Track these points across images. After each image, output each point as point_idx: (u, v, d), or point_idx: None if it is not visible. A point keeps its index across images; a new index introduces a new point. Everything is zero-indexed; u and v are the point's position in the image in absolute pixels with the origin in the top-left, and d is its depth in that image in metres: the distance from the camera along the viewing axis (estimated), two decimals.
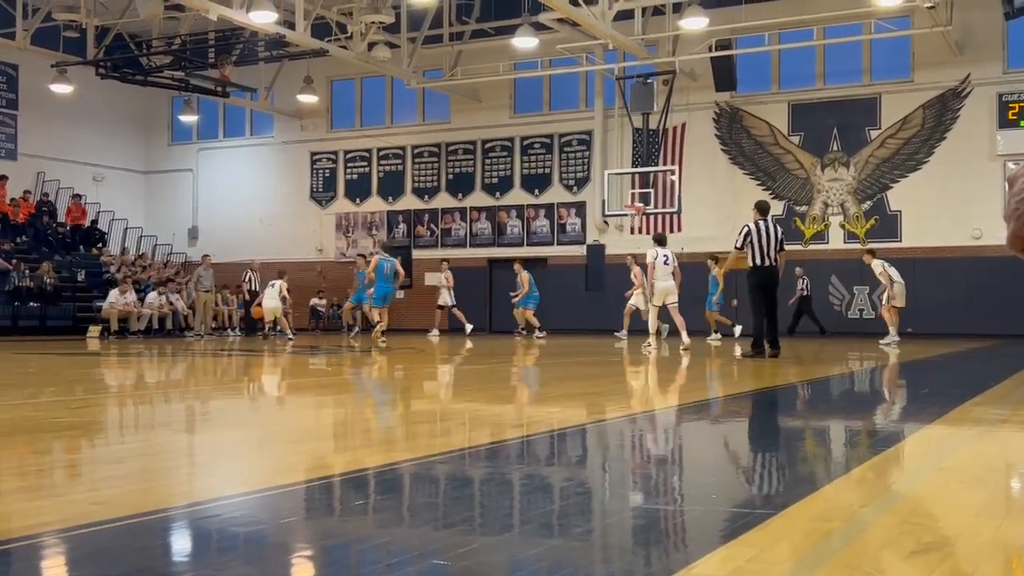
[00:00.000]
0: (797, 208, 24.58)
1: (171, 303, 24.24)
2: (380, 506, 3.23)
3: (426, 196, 28.64)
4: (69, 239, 27.67)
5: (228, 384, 9.50)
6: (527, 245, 27.12)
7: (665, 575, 2.34)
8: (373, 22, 22.54)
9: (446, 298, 23.56)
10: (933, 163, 23.33)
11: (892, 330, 18.12)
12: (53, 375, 10.09)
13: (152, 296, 23.67)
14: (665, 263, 15.64)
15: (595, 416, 6.16)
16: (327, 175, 29.94)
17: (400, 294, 28.02)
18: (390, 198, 29.08)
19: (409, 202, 28.83)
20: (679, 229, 25.28)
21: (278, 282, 22.25)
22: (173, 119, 31.68)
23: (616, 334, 21.03)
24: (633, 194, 24.09)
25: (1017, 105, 22.56)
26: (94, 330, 22.40)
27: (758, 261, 12.24)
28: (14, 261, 23.60)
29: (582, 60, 24.58)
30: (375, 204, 29.25)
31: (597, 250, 26.24)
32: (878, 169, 23.90)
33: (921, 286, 22.98)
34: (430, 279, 27.90)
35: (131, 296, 23.13)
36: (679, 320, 15.58)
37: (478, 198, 27.95)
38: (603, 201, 24.81)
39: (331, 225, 29.65)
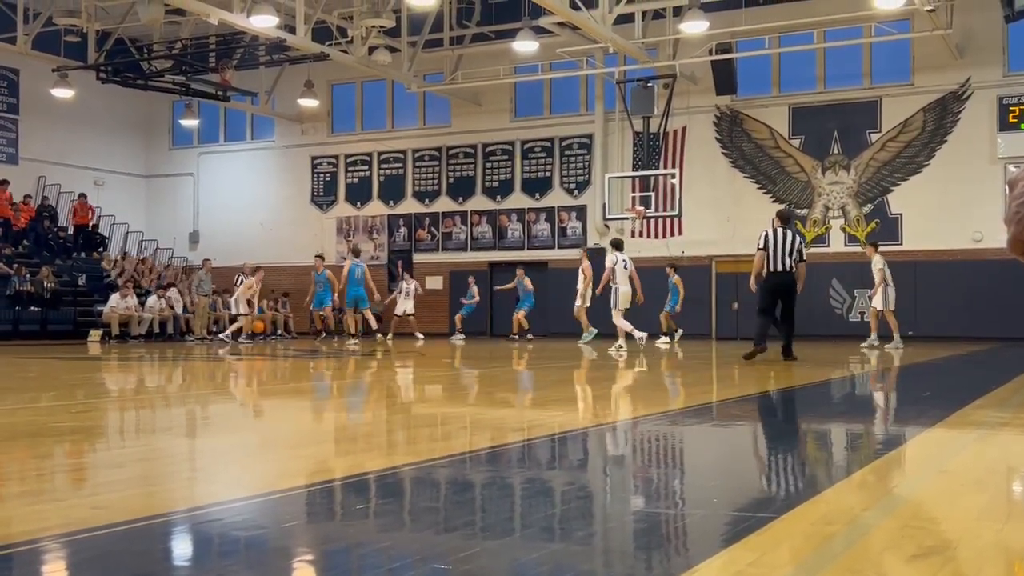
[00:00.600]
0: (798, 211, 24.57)
1: (171, 307, 24.25)
2: (381, 510, 3.23)
3: (427, 200, 28.65)
4: (71, 242, 27.68)
5: (228, 387, 9.50)
6: (528, 249, 27.12)
7: None
8: (374, 26, 22.57)
9: (410, 306, 23.86)
10: (934, 166, 23.33)
11: (873, 334, 18.37)
12: (54, 379, 10.09)
13: (152, 300, 23.68)
14: (624, 268, 15.86)
15: (595, 420, 6.16)
16: (328, 179, 29.96)
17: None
18: (391, 202, 29.09)
19: (410, 206, 28.85)
20: (680, 233, 25.29)
21: (250, 279, 22.04)
22: (174, 123, 31.71)
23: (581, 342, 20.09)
24: (634, 198, 24.11)
25: (1017, 108, 22.56)
26: (95, 334, 22.41)
27: (773, 267, 12.48)
28: (15, 265, 23.61)
29: (582, 64, 24.59)
30: (376, 208, 29.26)
31: (598, 254, 26.21)
32: (879, 172, 23.91)
33: (922, 289, 22.99)
34: (430, 283, 27.92)
35: (132, 300, 23.13)
36: (623, 324, 16.04)
37: (479, 202, 27.96)
38: (604, 205, 24.82)
39: (332, 229, 29.66)
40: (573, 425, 5.85)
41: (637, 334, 16.50)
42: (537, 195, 27.32)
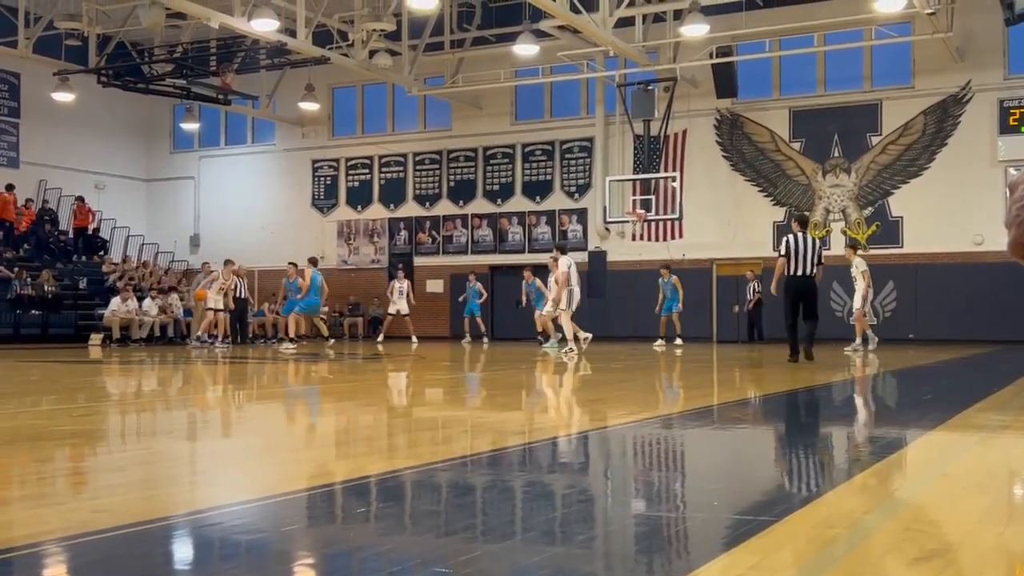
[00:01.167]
0: (798, 214, 24.57)
1: (171, 310, 24.24)
2: (382, 514, 3.23)
3: (428, 203, 28.66)
4: (71, 246, 27.69)
5: (229, 391, 9.49)
6: (529, 252, 27.12)
7: None
8: (374, 30, 22.59)
9: (403, 306, 23.79)
10: (934, 169, 23.34)
11: (868, 334, 18.22)
12: (55, 383, 10.08)
13: (147, 303, 23.67)
14: (576, 270, 16.25)
15: (596, 423, 6.16)
16: (328, 182, 29.97)
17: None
18: (392, 205, 29.10)
19: (411, 209, 28.86)
20: (680, 236, 25.30)
21: (217, 270, 21.95)
22: (175, 127, 31.74)
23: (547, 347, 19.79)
24: (634, 201, 24.12)
25: (1018, 111, 22.57)
26: (96, 338, 22.40)
27: (793, 271, 12.67)
28: (16, 269, 23.62)
29: (583, 67, 24.62)
30: (377, 211, 29.27)
31: (599, 257, 26.26)
32: (879, 175, 23.91)
33: (923, 292, 23.00)
34: (431, 286, 27.94)
35: (132, 304, 23.13)
36: (569, 327, 16.05)
37: (480, 205, 27.97)
38: (604, 208, 24.83)
39: (332, 232, 29.68)
40: (573, 428, 5.85)
41: (582, 334, 16.48)
42: (538, 198, 27.34)
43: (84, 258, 27.56)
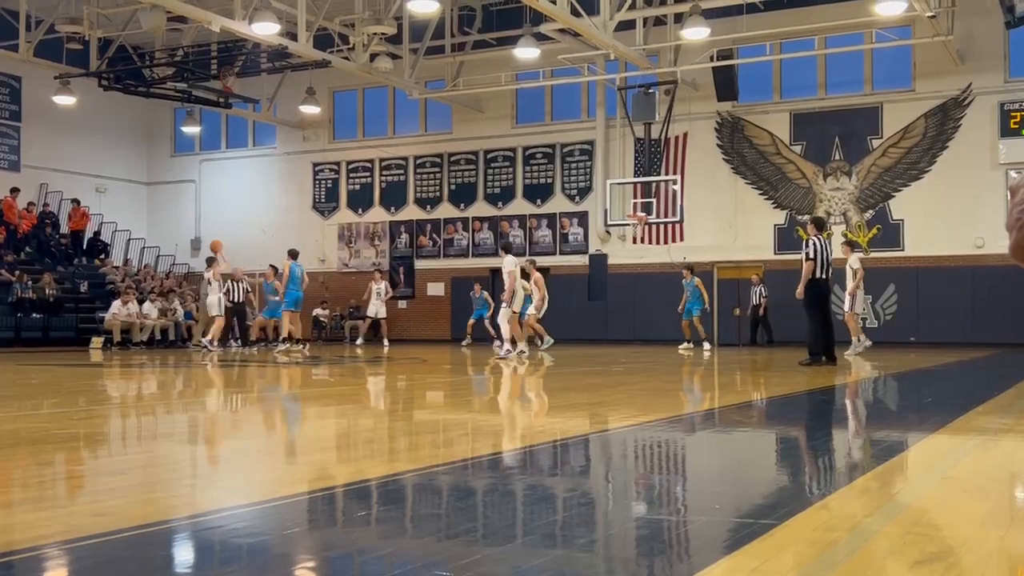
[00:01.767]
0: (799, 217, 24.56)
1: (172, 314, 24.24)
2: (383, 517, 3.23)
3: (428, 206, 28.67)
4: (72, 250, 27.70)
5: (229, 394, 9.49)
6: (529, 255, 27.10)
7: None
8: (375, 33, 22.60)
9: (381, 308, 23.77)
10: (935, 172, 23.33)
11: (859, 337, 18.04)
12: (56, 386, 10.09)
13: (148, 306, 23.67)
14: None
15: (597, 426, 6.15)
16: (329, 186, 29.99)
17: (402, 304, 28.10)
18: (392, 208, 29.11)
19: (411, 212, 28.86)
20: (681, 239, 25.30)
21: (207, 274, 21.81)
22: (176, 130, 31.76)
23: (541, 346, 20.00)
24: (635, 204, 24.11)
25: (1019, 114, 22.57)
26: (97, 341, 22.40)
27: (819, 274, 12.75)
28: (17, 272, 23.63)
29: (584, 70, 24.63)
30: (377, 214, 29.28)
31: (600, 260, 26.26)
32: (880, 178, 23.91)
33: (924, 295, 22.99)
34: (432, 289, 27.94)
35: (133, 307, 23.13)
36: (507, 329, 15.87)
37: (480, 208, 27.98)
38: (605, 211, 24.83)
39: (333, 236, 29.68)
40: (575, 431, 5.85)
41: (521, 346, 16.20)
42: (539, 201, 27.34)
43: (84, 261, 27.56)
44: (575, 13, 19.50)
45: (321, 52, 22.41)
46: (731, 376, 11.79)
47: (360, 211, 29.53)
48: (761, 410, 7.50)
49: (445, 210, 28.39)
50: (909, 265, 23.30)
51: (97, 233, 28.80)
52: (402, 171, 29.05)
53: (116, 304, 22.96)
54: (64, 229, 28.24)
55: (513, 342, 15.97)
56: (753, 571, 2.41)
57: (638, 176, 24.64)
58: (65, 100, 26.10)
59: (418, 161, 28.84)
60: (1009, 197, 1.87)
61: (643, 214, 23.81)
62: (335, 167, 29.89)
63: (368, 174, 29.49)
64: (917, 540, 2.74)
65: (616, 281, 25.84)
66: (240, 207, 30.63)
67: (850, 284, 18.05)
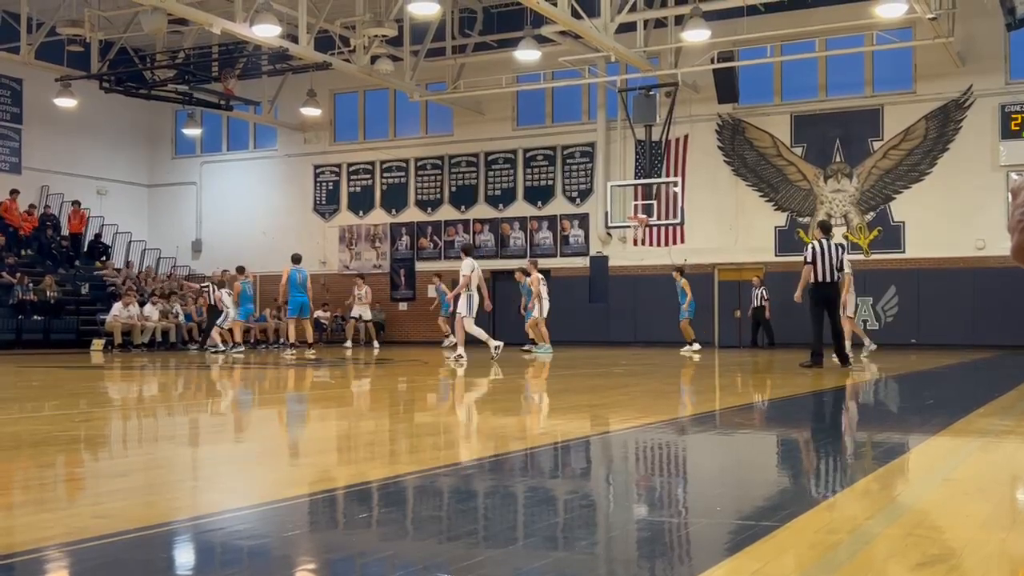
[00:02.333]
0: (800, 219, 24.58)
1: (174, 316, 24.24)
2: (384, 519, 3.23)
3: (429, 208, 28.67)
4: (73, 252, 27.70)
5: (229, 396, 9.49)
6: (530, 257, 27.10)
7: None
8: (376, 35, 22.61)
9: (365, 311, 23.77)
10: (936, 174, 23.33)
11: (866, 341, 18.06)
12: (57, 388, 10.09)
13: (149, 309, 23.67)
14: (479, 274, 15.82)
15: (599, 428, 6.15)
16: (330, 188, 30.00)
17: (403, 306, 28.12)
18: (393, 210, 29.11)
19: (412, 214, 28.87)
20: (682, 241, 25.30)
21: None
22: (177, 132, 31.77)
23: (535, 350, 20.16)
24: (636, 206, 24.10)
25: (1019, 116, 22.57)
26: (98, 343, 22.40)
27: (818, 277, 12.83)
28: (18, 274, 23.64)
29: (584, 72, 24.63)
30: (378, 216, 29.28)
31: (600, 262, 26.26)
32: (881, 180, 23.91)
33: (925, 297, 22.98)
34: (433, 291, 27.95)
35: (134, 309, 23.13)
36: (477, 331, 15.68)
37: (481, 210, 27.98)
38: (606, 213, 24.82)
39: (334, 238, 29.69)
40: (576, 433, 5.85)
41: (460, 348, 15.91)
42: (539, 203, 27.35)
43: (83, 262, 27.56)
44: (576, 15, 19.51)
45: (322, 54, 22.42)
46: (732, 378, 11.79)
47: (361, 213, 29.54)
48: (762, 412, 7.50)
49: (446, 212, 28.39)
50: (910, 267, 23.29)
51: (98, 235, 28.81)
52: (403, 173, 29.06)
53: (117, 306, 22.96)
54: (64, 231, 28.26)
55: (460, 346, 15.80)
56: (754, 573, 2.41)
57: (639, 178, 24.63)
58: (66, 102, 26.11)
59: (419, 163, 28.85)
60: (1010, 199, 1.87)
61: (644, 216, 23.81)
62: (336, 169, 29.90)
63: (369, 176, 29.50)
64: (919, 542, 2.74)
65: (617, 283, 25.84)
66: (241, 209, 30.64)
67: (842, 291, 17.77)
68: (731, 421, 6.69)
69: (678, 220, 23.98)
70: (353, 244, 29.44)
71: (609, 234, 26.06)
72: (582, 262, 26.54)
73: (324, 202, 30.03)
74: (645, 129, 24.34)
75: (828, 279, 12.81)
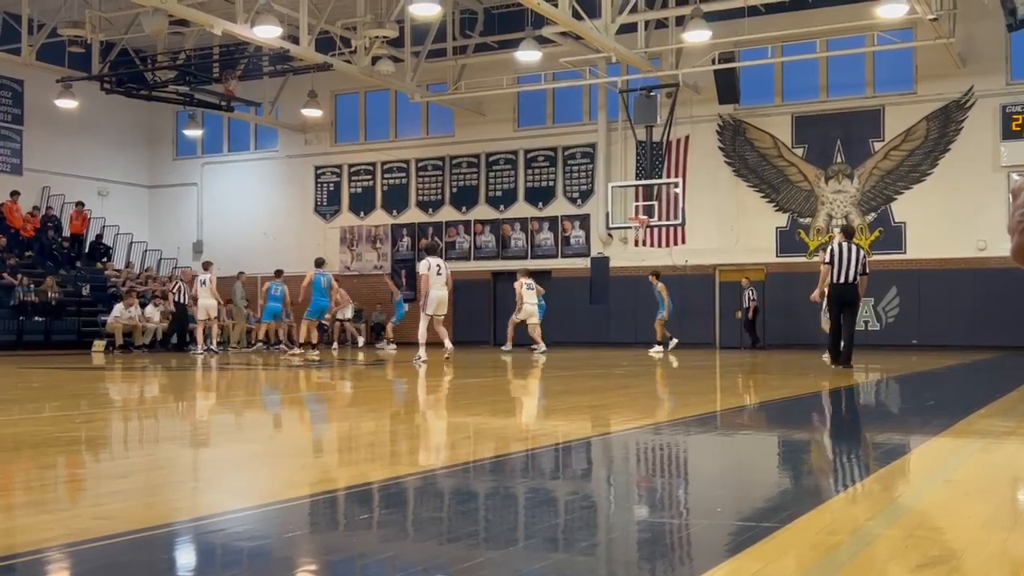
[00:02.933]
0: (801, 220, 24.58)
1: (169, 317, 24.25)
2: (385, 520, 3.23)
3: (430, 209, 28.68)
4: (73, 252, 27.71)
5: (231, 397, 9.49)
6: (531, 258, 27.12)
7: None
8: (377, 36, 22.62)
9: (348, 312, 23.84)
10: (937, 175, 23.32)
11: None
12: (58, 389, 10.09)
13: (150, 309, 23.65)
14: (438, 273, 15.51)
15: (599, 429, 6.15)
16: (331, 189, 30.01)
17: (405, 306, 28.11)
18: (394, 211, 29.12)
19: (413, 215, 28.88)
20: (683, 241, 25.30)
21: (207, 275, 21.59)
22: (178, 133, 31.78)
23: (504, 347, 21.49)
24: (637, 206, 24.11)
25: (1020, 116, 22.56)
26: (99, 344, 22.40)
27: (836, 279, 13.15)
28: (19, 275, 23.64)
29: (585, 73, 24.63)
30: (379, 217, 29.29)
31: (601, 263, 26.25)
32: (882, 181, 23.90)
33: (926, 297, 22.98)
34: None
35: (136, 310, 23.13)
36: (442, 330, 15.60)
37: (482, 211, 27.98)
38: (607, 214, 24.83)
39: (335, 239, 29.70)
40: (576, 435, 5.85)
41: (423, 352, 15.90)
42: (540, 204, 27.35)
43: (84, 264, 27.56)
44: (577, 16, 19.51)
45: (323, 55, 22.43)
46: (733, 379, 11.79)
47: (362, 214, 29.55)
48: (763, 413, 7.50)
49: (447, 213, 28.40)
50: (911, 268, 23.28)
51: (99, 236, 28.82)
52: (404, 174, 29.06)
53: (118, 307, 22.96)
54: (66, 232, 28.27)
55: (421, 347, 15.80)
56: (755, 574, 2.41)
57: (640, 179, 24.64)
58: (67, 103, 26.13)
59: (420, 164, 28.86)
60: (1011, 200, 1.87)
61: (645, 217, 23.82)
62: (337, 170, 29.91)
63: (370, 177, 29.51)
64: (919, 543, 2.74)
65: (617, 284, 25.84)
66: (242, 210, 30.65)
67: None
68: (732, 422, 6.69)
69: (679, 221, 23.98)
70: (354, 245, 29.45)
71: (610, 235, 26.06)
72: (583, 263, 26.54)
73: (325, 203, 30.04)
74: (646, 130, 24.34)
75: (847, 280, 13.10)
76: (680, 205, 23.88)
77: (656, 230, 25.07)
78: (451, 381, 11.28)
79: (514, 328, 21.54)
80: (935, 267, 23.03)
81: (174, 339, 23.26)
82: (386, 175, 29.29)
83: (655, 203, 24.25)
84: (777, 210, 24.84)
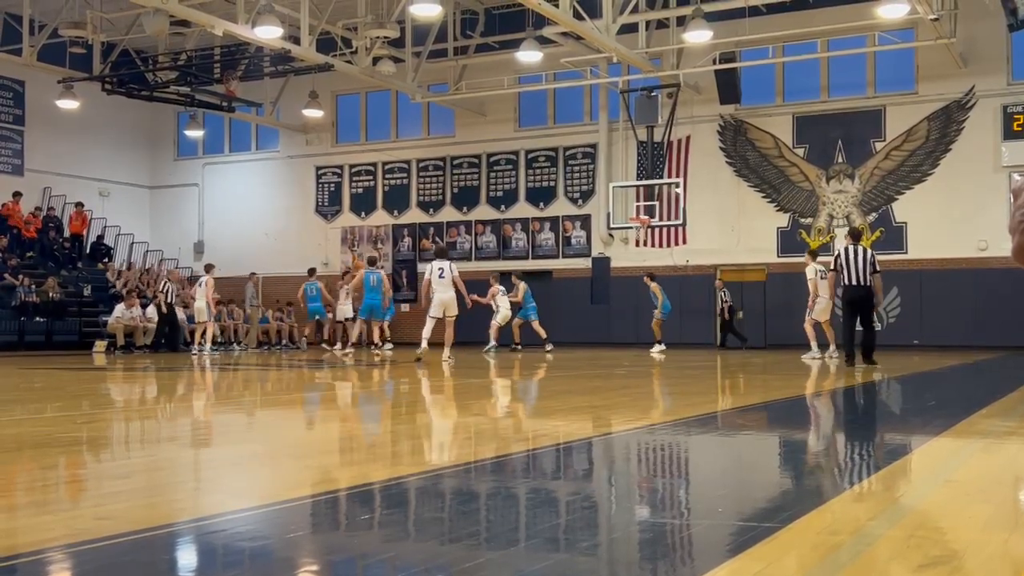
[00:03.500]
0: (802, 220, 24.57)
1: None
2: (386, 521, 3.23)
3: (431, 210, 28.68)
4: (74, 252, 27.72)
5: (232, 398, 9.50)
6: (532, 258, 27.14)
7: None
8: (378, 37, 22.63)
9: (348, 310, 23.68)
10: (938, 175, 23.32)
11: (813, 344, 16.87)
12: (59, 390, 10.09)
13: (151, 310, 23.66)
14: (440, 276, 15.81)
15: (601, 430, 6.15)
16: (332, 189, 30.01)
17: (405, 307, 28.11)
18: (395, 212, 29.13)
19: (414, 216, 28.88)
20: (684, 242, 25.30)
21: (205, 277, 21.65)
22: (179, 134, 31.79)
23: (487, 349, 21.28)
24: (638, 207, 24.11)
25: (1021, 116, 22.56)
26: (100, 345, 22.41)
27: (849, 281, 13.57)
28: (20, 276, 23.65)
29: (586, 73, 24.64)
30: (380, 218, 29.30)
31: (602, 263, 26.25)
32: (883, 181, 23.90)
33: (927, 298, 22.97)
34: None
35: (137, 310, 23.14)
36: (448, 334, 15.90)
37: (483, 211, 27.98)
38: (608, 214, 24.83)
39: (336, 239, 29.71)
40: (577, 435, 5.84)
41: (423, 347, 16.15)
42: (541, 204, 27.35)
43: (86, 264, 27.56)
44: (577, 16, 19.51)
45: (324, 56, 22.44)
46: (734, 379, 11.79)
47: (363, 214, 29.55)
48: (764, 413, 7.50)
49: (448, 213, 28.40)
50: (912, 268, 23.28)
51: (100, 237, 28.82)
52: (405, 174, 29.07)
53: (119, 307, 22.96)
54: (67, 233, 28.27)
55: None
56: (756, 574, 2.41)
57: (641, 179, 24.64)
58: (68, 104, 26.14)
59: (421, 164, 28.86)
60: (1012, 200, 1.87)
61: (646, 217, 23.81)
62: (338, 170, 29.91)
63: (371, 177, 29.51)
64: (921, 544, 2.74)
65: (619, 284, 25.83)
66: (243, 211, 30.66)
67: (811, 292, 17.32)
68: (733, 422, 6.69)
69: (680, 221, 23.98)
70: (355, 245, 29.45)
71: (611, 235, 26.06)
72: (584, 263, 26.54)
73: (326, 203, 30.05)
74: (647, 130, 24.35)
75: (859, 282, 13.46)
76: (681, 205, 23.89)
77: (657, 230, 25.07)
78: (451, 381, 11.28)
79: (498, 331, 21.75)
80: (936, 267, 23.03)
81: (163, 339, 23.25)
82: (387, 175, 29.29)
83: (656, 203, 24.25)
84: (778, 210, 24.84)
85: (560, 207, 27.13)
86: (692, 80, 24.63)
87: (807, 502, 3.52)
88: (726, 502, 3.54)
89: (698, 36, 21.31)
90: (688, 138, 25.37)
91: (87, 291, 25.34)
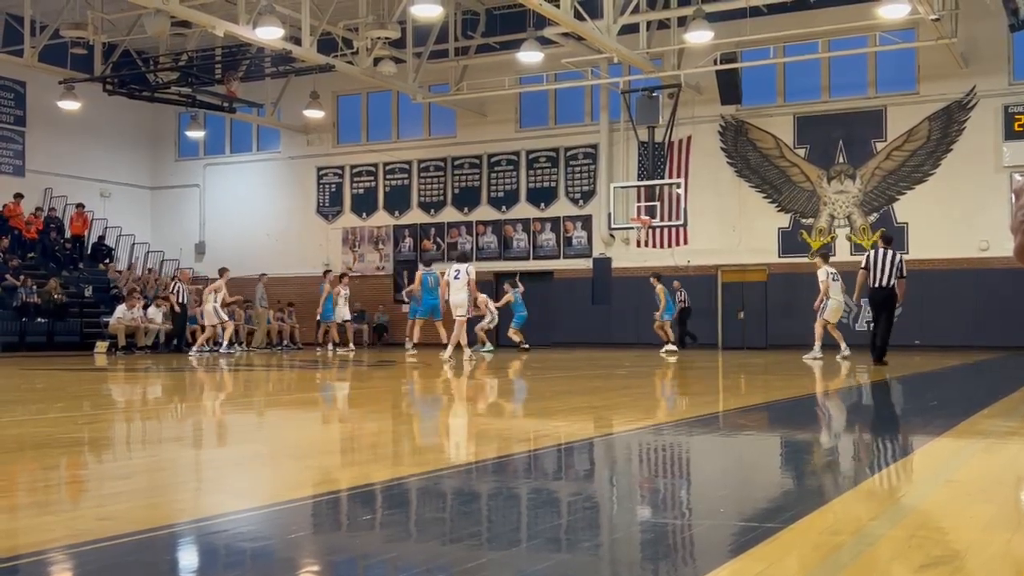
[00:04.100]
0: (803, 220, 24.57)
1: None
2: (387, 521, 3.23)
3: (432, 210, 28.69)
4: (75, 253, 27.73)
5: (234, 398, 9.50)
6: (533, 259, 27.15)
7: None
8: (379, 37, 22.64)
9: (346, 312, 23.69)
10: (939, 175, 23.32)
11: (816, 345, 16.95)
12: (60, 391, 10.09)
13: (152, 311, 23.68)
14: (456, 278, 16.61)
15: (602, 430, 6.15)
16: (333, 190, 30.02)
17: (406, 308, 28.12)
18: (396, 212, 29.14)
19: (415, 216, 28.90)
20: (685, 242, 25.30)
21: (219, 280, 21.77)
22: (180, 135, 31.82)
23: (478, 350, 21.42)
24: (639, 207, 24.12)
25: (1023, 116, 22.56)
26: (101, 346, 22.41)
27: (873, 283, 14.14)
28: (21, 277, 23.66)
29: (587, 74, 24.65)
30: (381, 218, 29.31)
31: (603, 263, 26.25)
32: (884, 181, 23.90)
33: (928, 298, 22.96)
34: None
35: (138, 311, 23.15)
36: (456, 333, 16.41)
37: (484, 212, 27.99)
38: (609, 214, 24.84)
39: (337, 239, 29.72)
40: (579, 435, 5.84)
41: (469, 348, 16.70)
42: (542, 205, 27.35)
43: (87, 265, 27.58)
44: (578, 17, 19.52)
45: (325, 56, 22.45)
46: (734, 379, 11.78)
47: (364, 215, 29.56)
48: (765, 414, 7.49)
49: (449, 214, 28.41)
50: (913, 268, 23.22)
51: (101, 237, 28.84)
52: (406, 175, 29.08)
53: (121, 308, 22.97)
54: (68, 234, 28.29)
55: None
56: (758, 575, 2.41)
57: (642, 179, 24.65)
58: (69, 105, 26.15)
59: (422, 165, 28.87)
60: (1013, 199, 1.87)
61: (647, 217, 23.82)
62: (339, 171, 29.93)
63: (372, 178, 29.52)
64: (922, 544, 2.74)
65: (620, 284, 25.84)
66: (244, 211, 30.67)
67: (822, 292, 17.36)
68: (734, 423, 6.68)
69: (681, 221, 23.99)
70: (356, 246, 29.47)
71: (612, 235, 26.07)
72: (585, 263, 26.54)
73: (327, 204, 30.06)
74: (648, 130, 24.36)
75: (884, 283, 13.99)
76: (682, 206, 23.89)
77: (658, 231, 25.08)
78: (452, 382, 11.28)
79: (485, 334, 22.27)
80: (937, 267, 23.02)
81: (175, 341, 23.23)
82: (388, 176, 29.31)
83: (657, 204, 24.26)
84: (779, 210, 24.84)
85: (561, 207, 27.13)
86: (693, 80, 24.64)
87: (808, 502, 3.52)
88: (727, 502, 3.53)
89: (699, 36, 21.31)
90: (689, 138, 25.37)
91: (88, 292, 25.36)
